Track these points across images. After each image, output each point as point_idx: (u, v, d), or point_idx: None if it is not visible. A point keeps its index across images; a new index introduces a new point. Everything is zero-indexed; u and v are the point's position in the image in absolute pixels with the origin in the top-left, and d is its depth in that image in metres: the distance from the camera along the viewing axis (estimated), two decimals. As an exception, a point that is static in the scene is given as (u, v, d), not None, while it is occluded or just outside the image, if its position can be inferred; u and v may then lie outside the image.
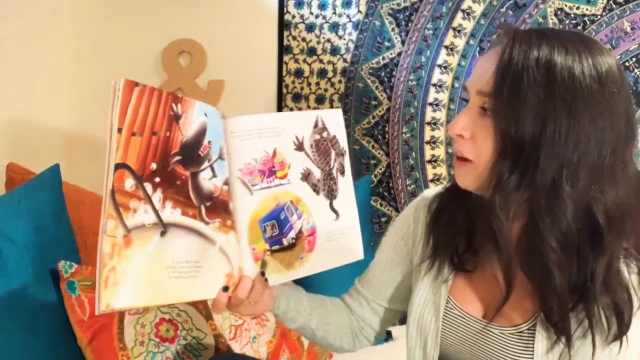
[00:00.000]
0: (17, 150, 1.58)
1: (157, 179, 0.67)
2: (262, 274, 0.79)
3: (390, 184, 1.94)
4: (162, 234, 0.68)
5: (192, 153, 0.71)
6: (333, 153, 0.85)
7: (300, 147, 0.82)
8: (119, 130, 0.64)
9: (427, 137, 1.92)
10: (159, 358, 1.16)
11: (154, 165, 0.67)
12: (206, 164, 0.73)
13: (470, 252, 0.85)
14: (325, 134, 0.84)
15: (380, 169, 1.94)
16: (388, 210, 1.95)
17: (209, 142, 0.73)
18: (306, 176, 0.82)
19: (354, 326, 0.98)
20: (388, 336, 1.66)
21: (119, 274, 0.64)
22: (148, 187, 0.67)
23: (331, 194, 0.85)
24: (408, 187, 1.94)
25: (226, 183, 0.76)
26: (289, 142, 0.81)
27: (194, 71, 1.89)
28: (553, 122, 0.69)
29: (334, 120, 0.86)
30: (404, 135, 1.92)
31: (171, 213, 0.69)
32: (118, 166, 0.64)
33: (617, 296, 0.73)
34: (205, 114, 0.73)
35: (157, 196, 0.67)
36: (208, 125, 0.73)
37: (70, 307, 1.13)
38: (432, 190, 0.93)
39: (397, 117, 1.91)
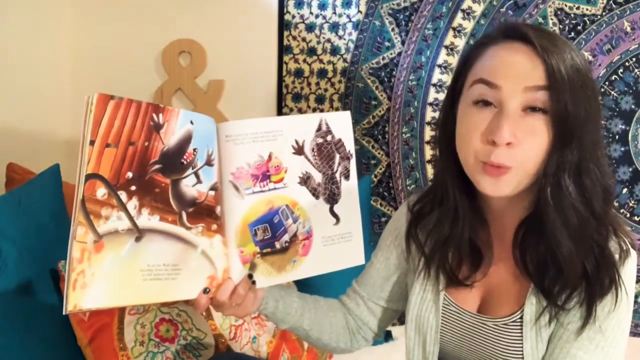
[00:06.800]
0: (17, 150, 1.58)
1: (133, 187, 0.70)
2: (250, 276, 0.79)
3: (390, 184, 1.94)
4: (138, 239, 0.70)
5: (173, 161, 0.73)
6: (337, 157, 0.84)
7: (299, 151, 0.81)
8: (91, 143, 0.66)
9: (427, 137, 1.91)
10: (159, 358, 1.16)
11: (129, 174, 0.69)
12: (190, 171, 0.75)
13: (466, 266, 0.85)
14: (329, 138, 0.83)
15: (380, 169, 1.94)
16: (388, 210, 1.95)
17: (194, 149, 0.75)
18: (305, 180, 0.81)
19: (351, 326, 0.98)
20: (388, 336, 1.66)
21: (88, 276, 0.66)
22: (123, 195, 0.69)
23: (332, 198, 0.84)
24: (408, 187, 1.94)
25: (213, 188, 0.77)
26: (286, 146, 0.80)
27: (194, 71, 1.89)
28: (593, 118, 0.74)
29: (341, 123, 0.84)
30: (404, 135, 1.92)
31: (148, 219, 0.71)
32: (89, 177, 0.66)
33: (610, 273, 0.75)
34: (192, 122, 0.74)
35: (132, 204, 0.70)
36: (194, 132, 0.75)
37: (70, 307, 1.13)
38: (416, 195, 0.94)
39: (397, 117, 1.91)
